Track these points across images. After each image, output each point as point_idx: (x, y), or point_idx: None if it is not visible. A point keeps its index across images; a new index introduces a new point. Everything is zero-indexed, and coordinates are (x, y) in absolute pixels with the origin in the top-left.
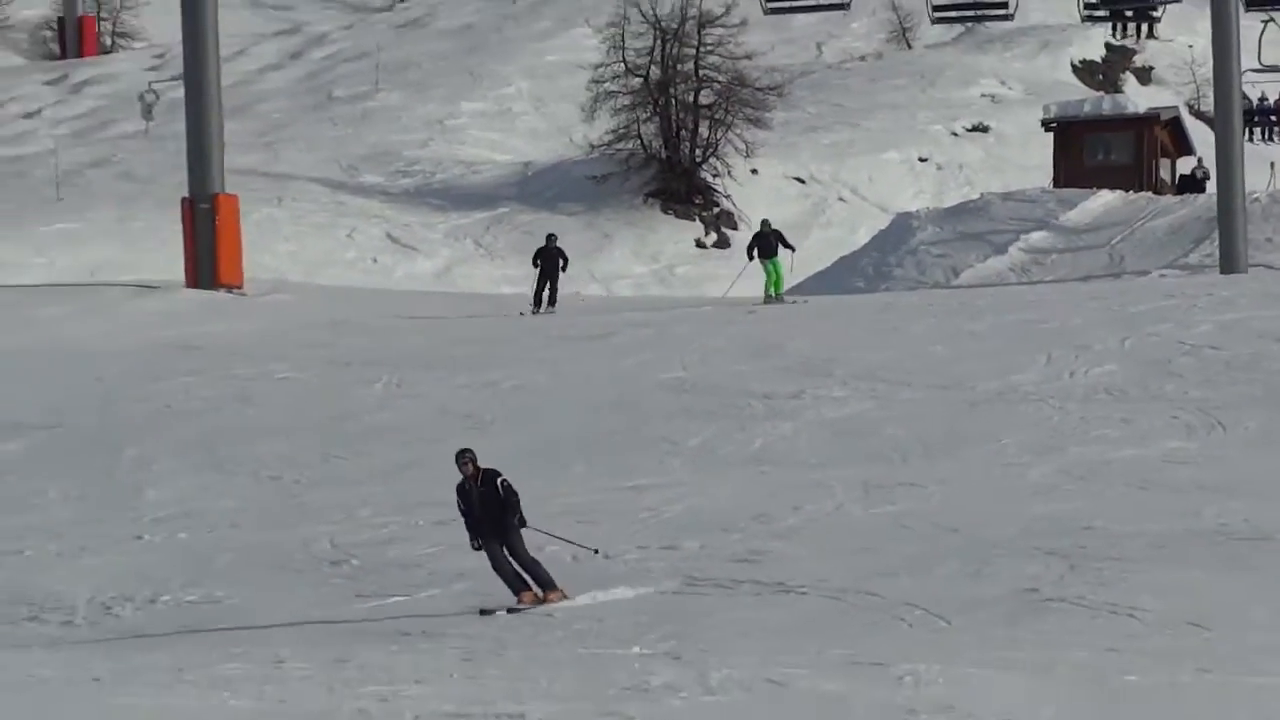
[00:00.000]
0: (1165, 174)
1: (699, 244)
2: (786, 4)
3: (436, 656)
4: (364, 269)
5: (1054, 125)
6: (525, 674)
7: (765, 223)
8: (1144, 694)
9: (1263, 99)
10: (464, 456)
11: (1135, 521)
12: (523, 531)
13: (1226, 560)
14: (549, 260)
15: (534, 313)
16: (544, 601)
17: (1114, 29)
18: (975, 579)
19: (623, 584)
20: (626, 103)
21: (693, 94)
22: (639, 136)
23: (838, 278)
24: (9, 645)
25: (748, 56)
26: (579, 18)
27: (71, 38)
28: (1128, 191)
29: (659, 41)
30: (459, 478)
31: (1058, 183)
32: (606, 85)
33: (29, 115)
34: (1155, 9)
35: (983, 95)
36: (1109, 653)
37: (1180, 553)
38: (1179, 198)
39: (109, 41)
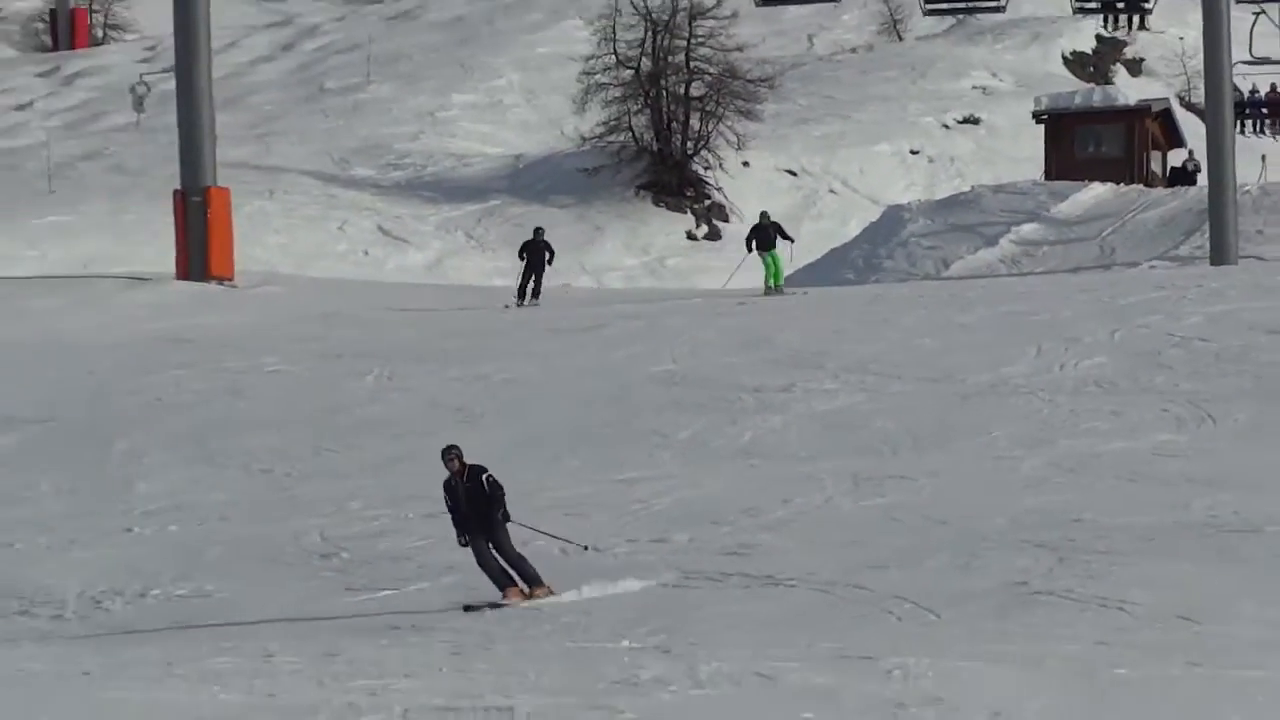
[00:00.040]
0: (1156, 166)
1: (690, 236)
2: None
3: (426, 650)
4: (355, 261)
5: (1045, 117)
6: (514, 668)
7: (764, 214)
8: (1133, 687)
9: (1254, 91)
10: (450, 453)
11: (1125, 514)
12: (509, 527)
13: (1216, 553)
14: (535, 254)
15: (518, 305)
16: (530, 598)
17: (1105, 21)
18: (965, 572)
19: (618, 577)
20: (618, 95)
21: (684, 86)
22: (630, 129)
23: (828, 270)
24: None
25: (739, 48)
26: (570, 10)
27: (63, 30)
28: (1118, 184)
29: (650, 33)
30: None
31: (1048, 175)
32: (598, 77)
33: (21, 107)
34: (1147, 0)
35: (974, 87)
36: (1098, 646)
37: (1170, 545)
38: (1170, 190)
39: (101, 34)
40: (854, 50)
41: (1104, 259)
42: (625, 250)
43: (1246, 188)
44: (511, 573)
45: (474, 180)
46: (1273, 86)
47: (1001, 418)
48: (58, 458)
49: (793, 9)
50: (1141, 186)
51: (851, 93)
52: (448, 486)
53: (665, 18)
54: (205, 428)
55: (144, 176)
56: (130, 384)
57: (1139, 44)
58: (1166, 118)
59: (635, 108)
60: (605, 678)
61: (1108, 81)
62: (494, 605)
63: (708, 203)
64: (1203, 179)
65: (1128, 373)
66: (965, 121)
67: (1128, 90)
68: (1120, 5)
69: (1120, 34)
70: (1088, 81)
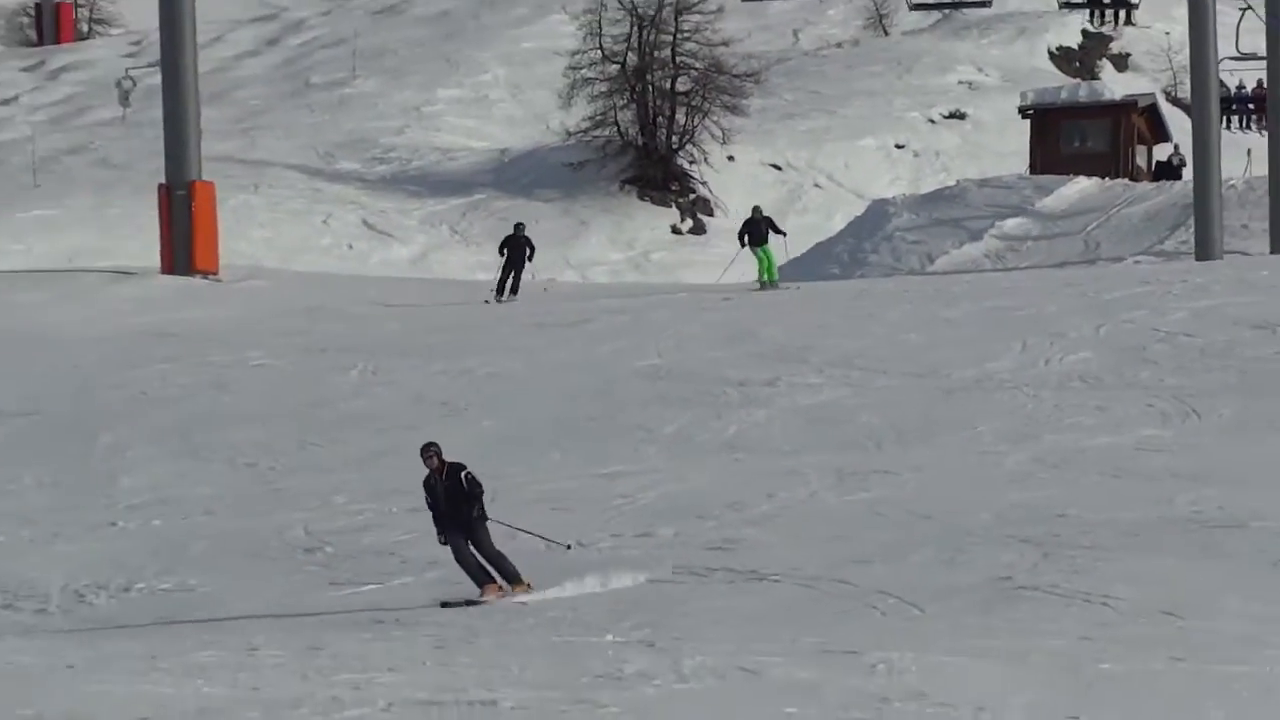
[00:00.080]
0: (1141, 161)
1: (675, 231)
2: None
3: (409, 644)
4: (340, 255)
5: (1031, 112)
6: (498, 662)
7: (756, 209)
8: (1118, 682)
9: (1240, 87)
10: (429, 450)
11: (1109, 509)
12: (489, 525)
13: (1200, 548)
14: (515, 249)
15: (497, 301)
16: (509, 595)
17: (1091, 16)
18: (949, 567)
19: (612, 571)
20: (603, 90)
21: (669, 81)
22: (616, 123)
23: (813, 264)
24: None
25: (725, 43)
26: (555, 4)
27: (49, 24)
28: (1104, 178)
29: (636, 28)
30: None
31: (1034, 169)
32: (583, 72)
33: (6, 102)
34: None
35: (959, 82)
36: (1083, 641)
37: (1154, 541)
38: (1155, 184)
39: (86, 28)
40: (839, 45)
41: (1089, 254)
42: (610, 245)
43: (1232, 182)
44: (490, 570)
45: (459, 175)
46: (1259, 83)
47: (986, 413)
48: (42, 451)
49: (778, 4)
50: (1127, 181)
51: (837, 87)
52: (427, 484)
53: (651, 12)
54: (190, 422)
55: (129, 171)
56: (115, 378)
57: (1125, 39)
58: (1152, 113)
59: (621, 102)
60: (589, 672)
61: (1094, 76)
62: (471, 602)
63: (693, 197)
64: (1188, 173)
65: (1112, 368)
66: (951, 116)
67: (1113, 85)
68: (1106, 0)
69: (1106, 29)
70: (1073, 76)
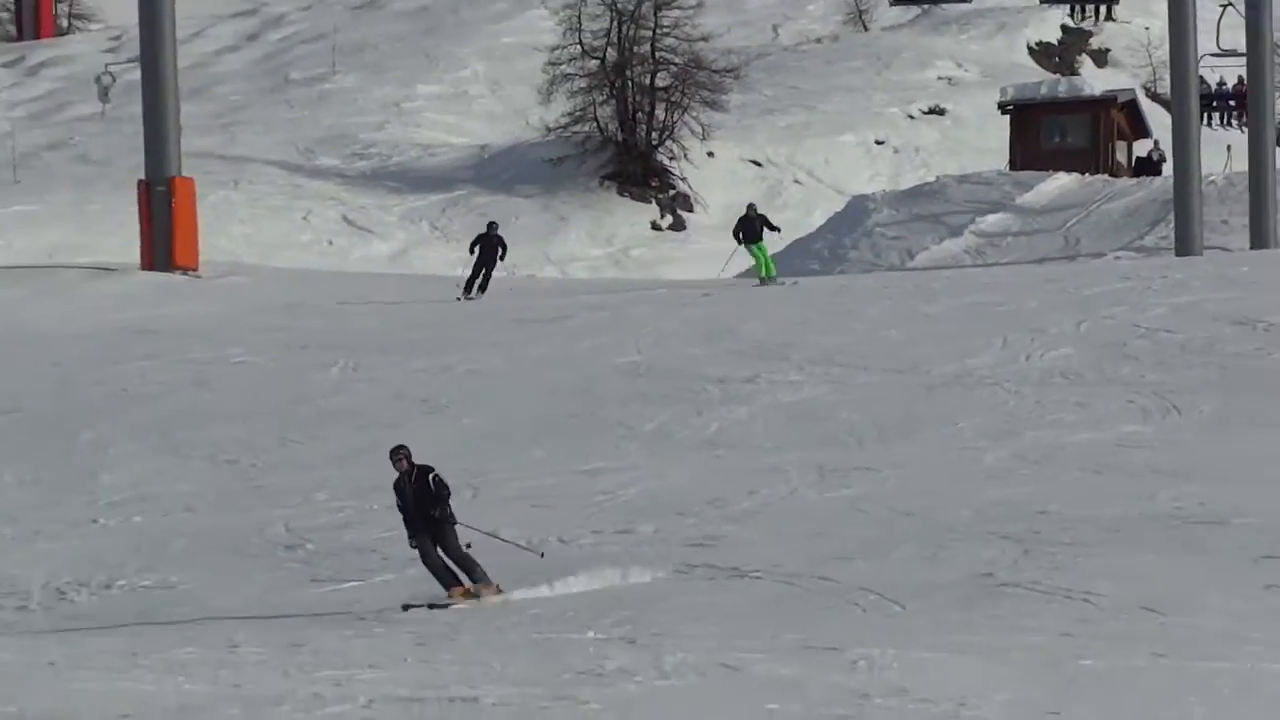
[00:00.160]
0: (1121, 156)
1: (654, 226)
2: None
3: (391, 641)
4: (320, 251)
5: (1010, 108)
6: (479, 658)
7: (751, 207)
8: (1099, 678)
9: (1221, 84)
10: (398, 453)
11: (1090, 506)
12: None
13: (1181, 544)
14: (488, 248)
15: (467, 298)
16: (476, 597)
17: (1071, 11)
18: (930, 563)
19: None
20: (583, 85)
21: (649, 76)
22: (595, 119)
23: (793, 261)
24: None
25: (704, 39)
26: (535, 0)
27: (28, 19)
28: (1084, 174)
29: (615, 24)
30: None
31: (1014, 165)
32: (563, 68)
33: None
34: None
35: (939, 78)
36: (1064, 637)
37: (1135, 537)
38: (1135, 180)
39: (65, 23)
40: (819, 41)
41: (1069, 249)
42: (590, 240)
43: (1211, 178)
44: (457, 572)
45: (439, 170)
46: (1240, 79)
47: (967, 409)
48: (22, 448)
49: (758, 0)
50: (1107, 177)
51: (816, 83)
52: (397, 486)
53: (630, 8)
54: (170, 418)
55: (109, 166)
56: (95, 374)
57: (1105, 34)
58: (1132, 108)
59: (600, 98)
60: (570, 668)
61: (1073, 72)
62: (434, 605)
63: (672, 193)
64: (1168, 169)
65: (1093, 364)
66: (930, 112)
67: (1093, 81)
68: None
69: (1086, 24)
70: (1053, 72)
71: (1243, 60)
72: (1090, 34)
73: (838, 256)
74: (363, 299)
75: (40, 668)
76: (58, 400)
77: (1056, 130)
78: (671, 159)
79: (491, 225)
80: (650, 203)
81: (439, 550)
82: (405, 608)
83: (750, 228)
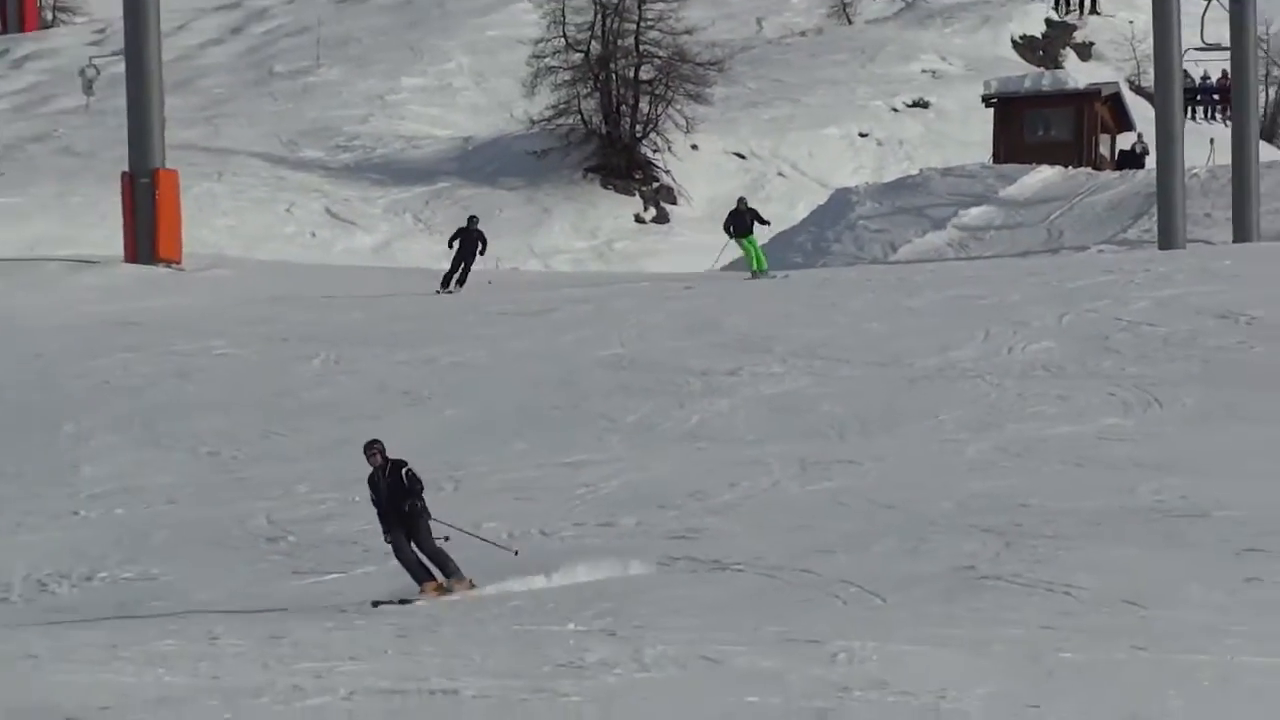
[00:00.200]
0: (1105, 150)
1: (638, 219)
2: None
3: (372, 633)
4: (303, 244)
5: (994, 101)
6: (459, 650)
7: (741, 200)
8: (1079, 671)
9: (1205, 78)
10: (372, 448)
11: (1071, 498)
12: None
13: (1162, 537)
14: (468, 242)
15: (445, 291)
16: (449, 592)
17: (1055, 4)
18: (911, 556)
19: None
20: (567, 78)
21: (633, 69)
22: (579, 112)
23: (776, 253)
24: None
25: (688, 32)
26: None
27: (12, 12)
28: (1067, 167)
29: (600, 16)
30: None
31: (997, 158)
32: (547, 60)
33: None
34: None
35: (923, 71)
36: (1044, 630)
37: (1116, 530)
38: (1118, 173)
39: (50, 16)
40: (803, 34)
41: (1052, 242)
42: (574, 233)
43: (1195, 171)
44: (431, 567)
45: (423, 163)
46: (1224, 73)
47: (949, 402)
48: (4, 440)
49: None
50: (1090, 170)
51: (800, 76)
52: (371, 481)
53: (614, 1)
54: (153, 411)
55: (93, 159)
56: (77, 367)
57: (1089, 28)
58: (1116, 102)
59: (584, 91)
60: (551, 660)
61: (1057, 65)
62: (404, 600)
63: (656, 186)
64: (1151, 162)
65: (1075, 357)
66: (914, 105)
67: (1077, 74)
68: None
69: (1070, 18)
70: (1037, 65)
71: (1226, 54)
72: (1074, 27)
73: (821, 249)
74: (346, 292)
75: (21, 660)
76: (39, 392)
77: (1040, 123)
78: (655, 152)
79: (472, 219)
80: (634, 195)
81: (413, 545)
82: (375, 604)
83: (740, 221)
